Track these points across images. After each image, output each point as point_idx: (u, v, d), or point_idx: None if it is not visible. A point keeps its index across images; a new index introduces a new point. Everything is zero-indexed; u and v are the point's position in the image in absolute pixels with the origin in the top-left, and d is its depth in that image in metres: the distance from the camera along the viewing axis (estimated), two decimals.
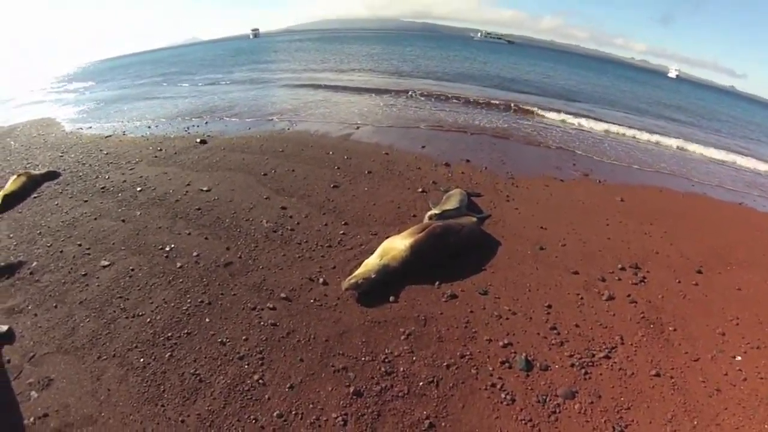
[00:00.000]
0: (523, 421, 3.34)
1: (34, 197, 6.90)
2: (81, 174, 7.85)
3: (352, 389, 3.48)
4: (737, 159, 14.90)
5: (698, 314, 4.94)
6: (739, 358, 4.29)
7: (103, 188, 7.22)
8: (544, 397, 3.57)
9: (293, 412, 3.29)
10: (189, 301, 4.51)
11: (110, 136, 10.59)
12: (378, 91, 18.91)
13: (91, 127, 11.77)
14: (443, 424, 3.28)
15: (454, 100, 18.09)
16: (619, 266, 5.72)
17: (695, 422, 3.49)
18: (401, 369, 3.73)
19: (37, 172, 7.42)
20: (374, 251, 5.12)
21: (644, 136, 15.82)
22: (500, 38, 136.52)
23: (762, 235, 7.68)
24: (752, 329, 4.79)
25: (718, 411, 3.63)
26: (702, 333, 4.62)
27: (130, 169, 8.15)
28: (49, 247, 5.50)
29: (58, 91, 24.34)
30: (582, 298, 4.96)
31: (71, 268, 5.05)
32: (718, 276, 5.89)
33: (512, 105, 17.76)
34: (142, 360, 3.75)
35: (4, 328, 4.05)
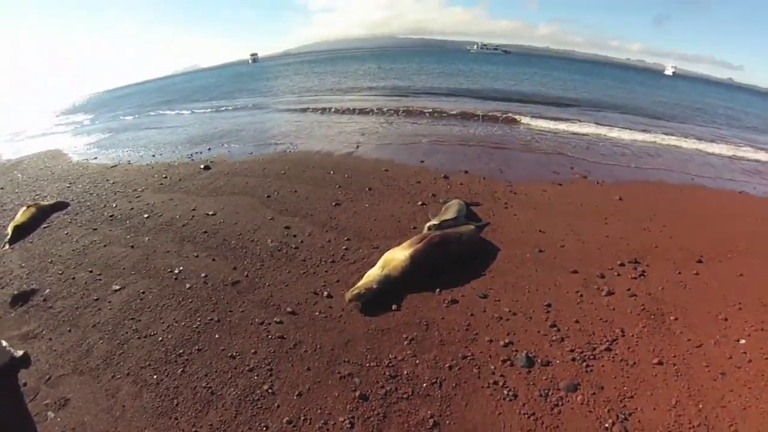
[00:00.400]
0: (526, 415, 3.43)
1: (44, 227, 7.11)
2: (89, 203, 8.09)
3: (358, 393, 3.60)
4: (733, 149, 15.02)
5: (700, 302, 5.01)
6: (743, 341, 4.35)
7: (111, 216, 7.45)
8: (547, 391, 3.65)
9: (302, 418, 3.40)
10: (199, 319, 4.66)
11: (116, 165, 10.89)
12: (376, 110, 19.19)
13: (96, 158, 12.07)
14: (447, 422, 3.38)
15: (451, 114, 18.32)
16: (618, 262, 5.81)
17: (700, 405, 3.55)
18: (405, 372, 3.85)
19: (45, 202, 7.61)
20: (376, 263, 5.27)
21: (641, 135, 15.95)
22: (496, 49, 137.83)
23: (762, 223, 7.75)
24: (755, 312, 4.85)
25: (724, 393, 3.68)
26: (704, 320, 4.69)
27: (137, 197, 8.38)
28: (60, 274, 5.70)
29: (63, 123, 24.94)
30: (581, 296, 5.05)
31: (83, 294, 5.24)
32: (719, 264, 5.95)
33: (508, 115, 17.94)
34: (155, 377, 3.89)
35: (20, 352, 4.20)
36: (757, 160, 14.02)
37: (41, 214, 7.18)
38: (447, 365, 3.93)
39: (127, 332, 4.51)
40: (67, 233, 6.86)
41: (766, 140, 18.62)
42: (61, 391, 3.80)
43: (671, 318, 4.69)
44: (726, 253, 6.27)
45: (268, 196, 8.13)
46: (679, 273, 5.64)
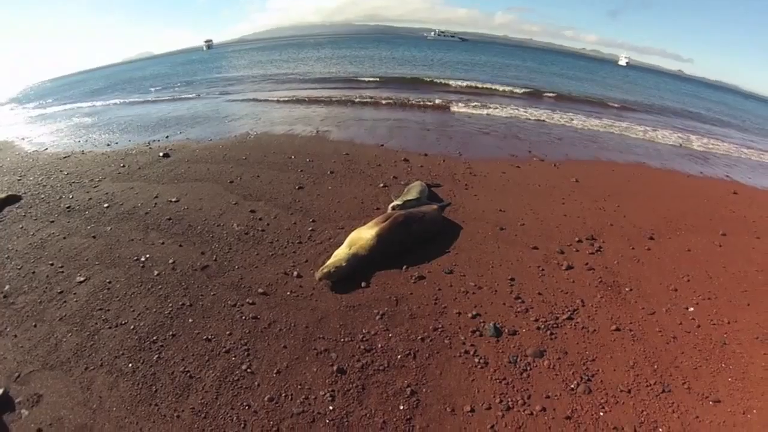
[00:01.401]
0: (498, 381, 3.68)
1: None
2: (43, 196, 7.74)
3: (335, 368, 3.74)
4: (679, 135, 15.91)
5: (652, 275, 5.45)
6: (691, 309, 4.80)
7: (68, 208, 7.17)
8: (515, 357, 3.92)
9: (283, 395, 3.51)
10: (170, 305, 4.65)
11: (69, 156, 10.37)
12: (333, 97, 19.07)
13: (47, 149, 11.45)
14: (424, 390, 3.58)
15: (408, 99, 18.45)
16: (576, 239, 6.18)
17: (655, 366, 3.92)
18: (379, 346, 4.02)
19: None
20: (343, 243, 5.39)
21: (596, 121, 16.68)
22: (453, 36, 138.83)
23: (706, 202, 8.42)
24: (703, 283, 5.34)
25: (676, 355, 4.08)
26: (656, 290, 5.12)
27: (94, 187, 8.09)
28: (19, 269, 5.48)
29: (9, 114, 23.39)
30: (543, 270, 5.36)
31: (46, 288, 5.07)
32: (669, 241, 6.45)
33: (468, 100, 18.24)
34: (130, 365, 3.88)
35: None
36: (702, 147, 14.96)
37: None
38: (419, 337, 4.13)
39: (96, 323, 4.44)
40: (22, 227, 6.56)
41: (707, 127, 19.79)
42: (33, 388, 3.71)
43: (626, 289, 5.08)
44: (675, 230, 6.78)
45: (231, 182, 8.05)
46: (633, 248, 6.07)
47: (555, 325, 4.37)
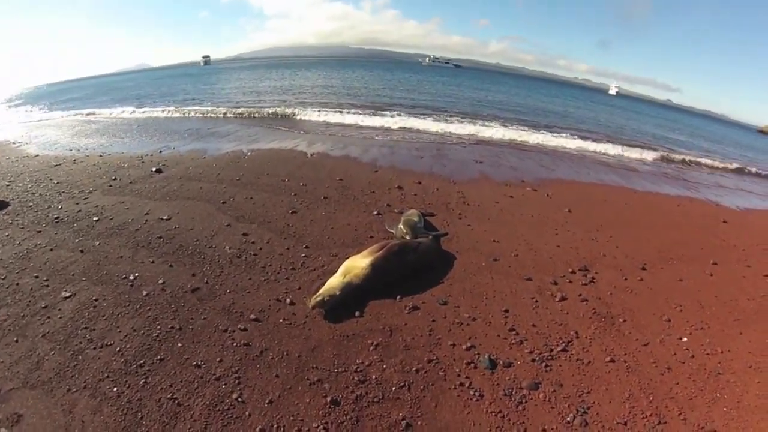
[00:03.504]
0: (493, 413, 3.64)
1: None
2: (31, 204, 7.58)
3: (329, 399, 3.66)
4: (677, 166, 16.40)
5: (645, 305, 5.51)
6: (685, 339, 4.86)
7: (57, 218, 7.02)
8: (510, 390, 3.89)
9: (275, 426, 3.41)
10: (159, 327, 4.52)
11: (60, 164, 10.22)
12: (328, 122, 19.18)
13: (38, 155, 11.28)
14: (419, 423, 3.51)
15: (407, 126, 18.65)
16: (570, 270, 6.22)
17: (651, 398, 3.93)
18: (373, 377, 3.95)
19: None
20: (336, 271, 5.33)
21: (591, 146, 17.20)
22: (447, 62, 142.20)
23: (698, 232, 8.62)
24: (695, 313, 5.42)
25: (671, 386, 4.10)
26: (649, 321, 5.17)
27: (84, 199, 7.95)
28: (3, 279, 5.31)
29: (2, 116, 23.09)
30: (537, 301, 5.37)
31: (30, 301, 4.91)
32: (661, 271, 6.55)
33: (471, 135, 18.37)
34: (115, 389, 3.73)
35: None
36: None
37: None
38: (414, 369, 4.07)
39: (81, 342, 4.29)
40: (8, 235, 6.40)
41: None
42: (13, 407, 3.55)
43: (620, 320, 5.12)
44: (667, 261, 6.89)
45: (224, 202, 7.97)
46: (626, 279, 6.14)
47: (550, 357, 4.36)
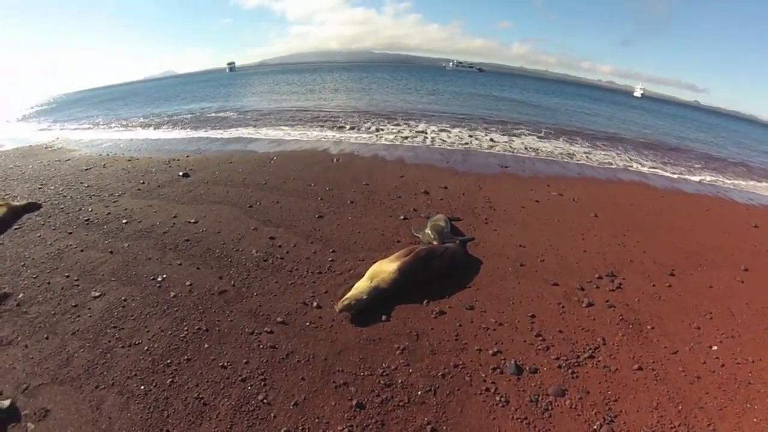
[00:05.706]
0: (519, 420, 3.56)
1: (15, 229, 6.82)
2: (63, 206, 7.82)
3: (354, 402, 3.63)
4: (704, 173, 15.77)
5: (674, 312, 5.33)
6: (715, 347, 4.67)
7: (87, 220, 7.21)
8: (536, 396, 3.80)
9: (300, 428, 3.40)
10: (186, 328, 4.57)
11: (90, 168, 10.55)
12: (353, 125, 19.11)
13: (69, 159, 11.65)
14: (444, 428, 3.46)
15: (431, 130, 18.51)
16: (597, 275, 6.08)
17: (679, 407, 3.79)
18: (399, 381, 3.90)
19: (17, 203, 7.29)
20: (363, 275, 5.33)
21: (617, 156, 16.64)
22: (471, 66, 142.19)
23: (728, 237, 8.32)
24: (725, 321, 5.22)
25: (701, 396, 3.95)
26: (678, 328, 5.00)
27: (114, 202, 8.15)
28: (35, 278, 5.46)
29: (33, 123, 23.93)
30: (563, 307, 5.25)
31: (60, 300, 5.04)
32: (690, 277, 6.34)
33: (499, 137, 17.98)
34: (142, 387, 3.79)
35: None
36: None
37: (12, 215, 6.87)
38: (440, 374, 4.01)
39: (109, 341, 4.37)
40: (40, 236, 6.59)
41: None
42: (41, 402, 3.63)
43: (648, 327, 4.96)
44: (696, 266, 6.67)
45: (251, 206, 8.06)
46: (654, 285, 5.96)
47: (576, 364, 4.26)
